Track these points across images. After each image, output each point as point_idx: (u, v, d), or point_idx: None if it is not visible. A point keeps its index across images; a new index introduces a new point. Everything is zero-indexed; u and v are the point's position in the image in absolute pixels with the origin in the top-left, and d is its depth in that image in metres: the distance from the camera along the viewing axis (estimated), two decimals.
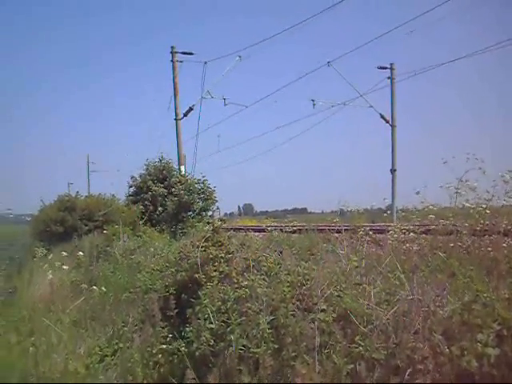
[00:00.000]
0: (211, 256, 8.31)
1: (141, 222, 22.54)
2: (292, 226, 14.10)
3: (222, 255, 8.31)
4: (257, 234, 16.62)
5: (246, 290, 6.85)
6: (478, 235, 8.87)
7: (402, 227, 10.51)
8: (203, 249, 8.54)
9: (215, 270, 7.98)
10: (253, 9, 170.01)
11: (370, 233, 10.67)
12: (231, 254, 8.45)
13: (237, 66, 34.85)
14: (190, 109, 32.08)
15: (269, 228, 14.96)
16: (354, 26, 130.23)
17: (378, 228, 13.65)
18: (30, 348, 9.01)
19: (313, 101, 39.16)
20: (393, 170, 37.64)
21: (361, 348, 5.22)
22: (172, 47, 31.87)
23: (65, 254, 18.45)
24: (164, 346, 7.70)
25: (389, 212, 20.37)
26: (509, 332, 4.48)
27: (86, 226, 26.08)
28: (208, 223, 9.55)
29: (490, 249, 8.04)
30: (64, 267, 15.45)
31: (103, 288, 12.41)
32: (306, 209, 77.29)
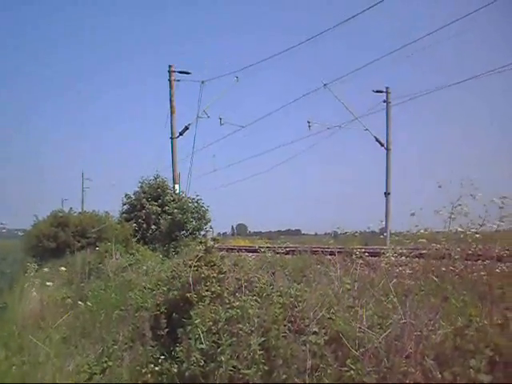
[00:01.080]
0: (203, 276, 8.27)
1: (134, 240, 22.48)
2: (285, 248, 14.05)
3: (214, 275, 8.27)
4: (250, 254, 16.57)
5: (238, 310, 6.80)
6: (471, 260, 8.85)
7: (395, 250, 10.49)
8: (195, 268, 8.50)
9: (207, 290, 7.94)
10: (251, 29, 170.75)
11: (364, 255, 10.63)
12: (223, 274, 8.41)
13: (234, 86, 35.05)
14: (186, 128, 32.14)
15: (262, 249, 14.89)
16: (352, 49, 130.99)
17: (372, 251, 13.62)
18: (17, 364, 8.90)
19: (308, 122, 39.32)
20: (387, 193, 37.70)
21: (352, 372, 5.18)
22: (169, 66, 32.03)
23: (57, 269, 18.35)
24: (153, 366, 7.62)
25: (385, 234, 20.38)
26: (501, 358, 4.45)
27: (79, 242, 25.98)
28: (201, 243, 9.49)
29: (483, 273, 8.02)
30: (48, 283, 15.32)
31: (88, 303, 12.34)
32: (299, 230, 77.13)
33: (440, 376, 4.55)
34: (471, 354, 4.56)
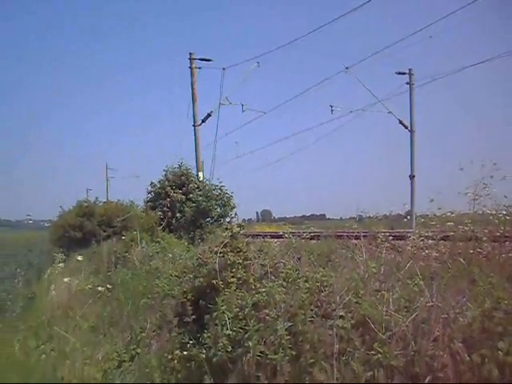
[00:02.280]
0: (229, 262, 8.28)
1: (159, 228, 22.52)
2: (310, 233, 14.01)
3: (240, 261, 8.28)
4: (275, 240, 16.57)
5: (264, 296, 6.82)
6: (498, 241, 8.77)
7: (421, 233, 10.42)
8: (221, 255, 8.51)
9: (233, 276, 7.96)
10: (271, 14, 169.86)
11: (389, 239, 10.58)
12: (249, 261, 8.41)
13: (255, 71, 34.89)
14: (208, 115, 32.10)
15: (286, 234, 14.87)
16: (373, 31, 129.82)
17: (397, 234, 13.53)
18: (47, 353, 9.03)
19: (331, 107, 39.04)
20: (412, 176, 37.42)
21: (379, 355, 5.16)
22: (190, 53, 31.91)
23: (80, 258, 18.55)
24: (181, 352, 7.68)
25: (408, 218, 20.20)
26: None
27: (105, 231, 26.14)
28: (226, 229, 9.49)
29: (511, 255, 7.96)
30: (65, 280, 15.49)
31: (108, 286, 12.45)
32: (324, 215, 76.85)
33: (468, 358, 4.52)
34: (499, 336, 4.53)
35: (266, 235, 21.64)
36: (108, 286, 14.04)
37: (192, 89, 31.52)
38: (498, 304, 5.08)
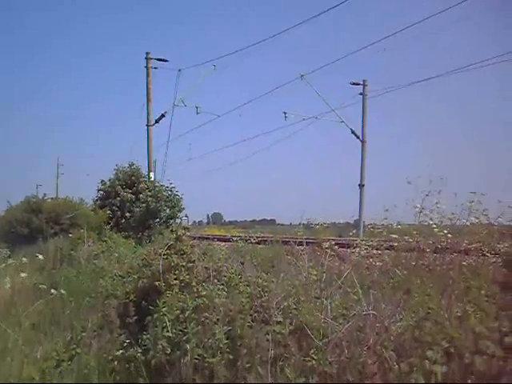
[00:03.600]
0: (173, 264, 8.28)
1: (107, 227, 22.34)
2: (257, 237, 14.12)
3: (184, 264, 8.28)
4: (223, 243, 16.65)
5: (205, 299, 6.86)
6: (440, 253, 8.97)
7: (366, 243, 10.60)
8: (165, 257, 8.51)
9: (175, 279, 7.96)
10: (229, 19, 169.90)
11: (335, 247, 10.71)
12: (193, 263, 8.42)
13: (211, 74, 34.98)
14: (162, 115, 32.11)
15: (234, 238, 14.96)
16: (330, 40, 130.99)
17: (344, 242, 13.73)
18: None
19: (284, 113, 39.34)
20: (361, 185, 37.95)
21: (314, 361, 5.25)
22: (147, 53, 31.89)
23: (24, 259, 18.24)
24: (119, 353, 7.64)
25: (354, 231, 20.53)
26: (456, 350, 4.54)
27: (52, 228, 25.72)
28: (172, 231, 9.50)
29: (450, 266, 8.15)
30: (22, 275, 15.21)
31: (62, 291, 12.30)
32: (274, 220, 77.27)
33: (397, 367, 4.64)
34: (429, 345, 4.65)
35: (214, 238, 21.73)
36: (51, 283, 13.84)
37: (147, 88, 31.52)
38: (428, 314, 5.21)
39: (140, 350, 7.31)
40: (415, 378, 4.42)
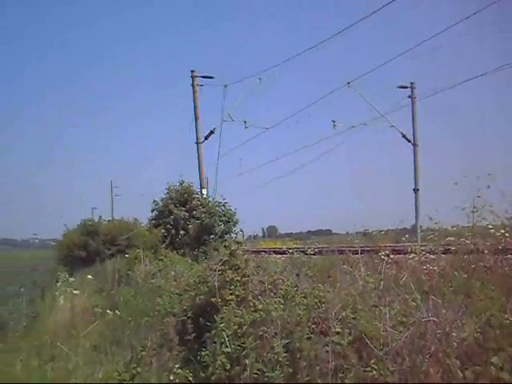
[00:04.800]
0: (227, 279, 8.27)
1: (163, 246, 22.48)
2: (314, 248, 14.00)
3: (238, 278, 8.26)
4: (279, 256, 16.58)
5: (261, 313, 6.82)
6: (500, 254, 8.73)
7: (422, 248, 10.40)
8: (220, 272, 8.51)
9: (231, 294, 7.94)
10: (272, 30, 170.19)
11: (391, 254, 10.53)
12: (247, 277, 8.39)
13: (257, 88, 35.00)
14: (211, 132, 32.23)
15: (290, 250, 14.87)
16: (374, 45, 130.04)
17: (402, 248, 13.51)
18: (49, 372, 9.01)
19: (333, 122, 39.05)
20: (416, 190, 37.37)
21: (375, 372, 5.14)
22: (192, 71, 32.10)
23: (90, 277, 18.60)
24: (180, 371, 7.64)
25: (406, 236, 20.20)
26: None
27: (109, 250, 26.09)
28: (225, 247, 9.48)
29: None
30: (75, 292, 15.42)
31: (117, 311, 12.43)
32: (330, 230, 76.46)
33: (461, 375, 4.49)
34: (494, 352, 4.49)
35: (270, 251, 21.64)
36: (110, 304, 14.02)
37: (194, 106, 31.70)
38: (492, 319, 5.05)
39: (200, 367, 7.32)
40: None
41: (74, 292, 15.38)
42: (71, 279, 18.30)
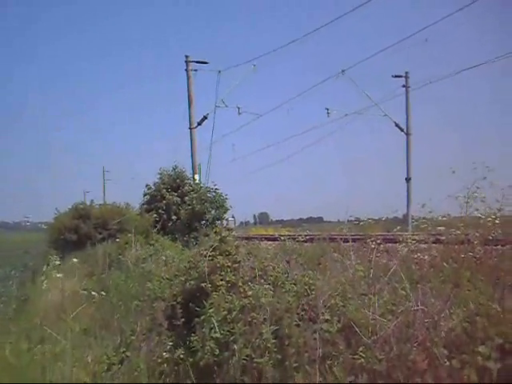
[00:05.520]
0: (218, 265, 8.27)
1: (154, 231, 22.50)
2: (305, 236, 14.02)
3: (229, 264, 8.26)
4: (270, 242, 16.61)
5: (251, 299, 6.82)
6: (490, 245, 8.76)
7: (413, 237, 10.42)
8: (210, 258, 8.50)
9: (221, 280, 7.94)
10: (267, 17, 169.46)
11: (382, 243, 10.56)
12: (238, 264, 8.40)
13: (251, 74, 34.98)
14: (204, 118, 32.21)
15: (282, 237, 14.90)
16: (369, 34, 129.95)
17: (392, 237, 13.54)
18: (38, 355, 9.01)
19: (327, 109, 39.14)
20: (408, 179, 37.50)
21: (362, 359, 5.16)
22: (186, 56, 32.04)
23: (75, 260, 18.59)
24: (168, 355, 7.66)
25: (397, 227, 20.24)
26: (511, 345, 4.39)
27: (100, 234, 26.16)
28: (215, 233, 9.48)
29: (502, 258, 7.96)
30: (59, 275, 15.39)
31: (103, 293, 12.46)
32: (321, 218, 76.79)
33: (448, 363, 4.51)
34: (481, 341, 4.51)
35: (262, 238, 21.70)
36: (100, 288, 14.02)
37: (188, 91, 31.67)
38: (480, 308, 5.07)
39: (188, 352, 7.34)
40: (467, 374, 4.29)
41: (58, 275, 15.34)
42: (56, 263, 18.23)
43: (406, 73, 39.01)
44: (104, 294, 13.16)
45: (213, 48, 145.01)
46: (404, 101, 39.01)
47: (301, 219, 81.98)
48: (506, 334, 4.50)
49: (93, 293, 13.18)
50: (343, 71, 35.62)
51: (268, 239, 20.50)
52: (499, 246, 8.72)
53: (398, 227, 14.35)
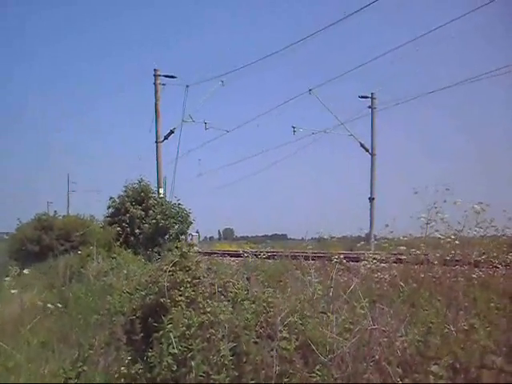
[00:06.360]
0: (178, 281, 8.25)
1: (117, 244, 22.31)
2: (267, 252, 14.07)
3: (189, 280, 8.24)
4: (233, 258, 16.64)
5: (209, 315, 6.82)
6: (449, 265, 8.89)
7: (374, 256, 10.53)
8: (171, 273, 8.48)
9: (181, 295, 7.92)
10: (237, 33, 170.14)
11: (344, 261, 10.65)
12: (198, 279, 8.38)
13: (219, 90, 35.13)
14: (171, 132, 32.23)
15: (245, 254, 14.94)
16: (338, 53, 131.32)
17: (354, 256, 13.67)
18: None
19: (293, 127, 39.39)
20: (371, 199, 37.83)
21: (319, 378, 5.19)
22: (155, 70, 32.11)
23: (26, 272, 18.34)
24: (126, 370, 7.59)
25: (361, 243, 20.42)
26: (461, 365, 4.47)
27: (63, 245, 25.84)
28: (176, 247, 9.47)
29: (459, 279, 8.08)
30: (13, 291, 15.08)
31: (59, 305, 12.31)
32: (286, 235, 76.90)
33: (400, 382, 4.56)
34: (434, 360, 4.58)
35: (225, 254, 21.71)
36: (60, 301, 13.84)
37: (156, 105, 31.67)
38: (431, 328, 5.14)
39: (146, 367, 7.28)
40: None
41: (12, 291, 15.06)
42: (7, 278, 17.89)
43: (372, 94, 39.51)
44: (62, 306, 12.99)
45: (181, 63, 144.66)
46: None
47: (265, 236, 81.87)
48: (457, 353, 4.57)
49: (49, 305, 12.97)
50: (310, 90, 35.99)
51: (231, 255, 20.54)
52: (457, 267, 8.85)
53: (360, 244, 14.51)
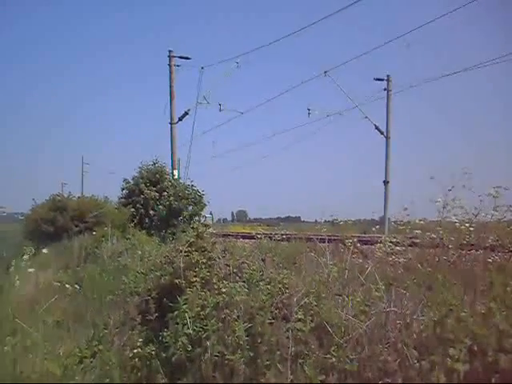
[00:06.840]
0: (193, 261, 8.26)
1: (131, 225, 22.39)
2: (281, 234, 14.05)
3: (204, 261, 8.26)
4: (247, 240, 16.63)
5: (225, 296, 6.83)
6: (465, 249, 8.83)
7: (390, 239, 10.47)
8: (186, 254, 8.49)
9: (196, 276, 7.93)
10: (253, 14, 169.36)
11: (358, 244, 10.60)
12: (213, 260, 8.39)
13: (234, 71, 34.99)
14: (186, 113, 32.17)
15: (259, 235, 14.92)
16: (355, 35, 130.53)
17: (369, 239, 13.64)
18: (8, 347, 8.92)
19: (308, 110, 39.26)
20: (386, 182, 37.63)
21: (334, 359, 5.18)
22: (169, 51, 31.96)
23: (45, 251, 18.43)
24: (140, 350, 7.63)
25: (377, 227, 20.36)
26: (479, 348, 4.43)
27: (77, 226, 25.98)
28: (193, 228, 9.47)
29: (475, 263, 8.03)
30: (30, 270, 15.21)
31: (76, 286, 12.38)
32: (299, 217, 77.17)
33: (418, 364, 4.55)
34: (451, 343, 4.55)
35: (238, 236, 21.72)
36: (76, 281, 13.94)
37: (170, 86, 31.61)
38: (450, 311, 5.10)
39: (161, 347, 7.32)
40: (436, 376, 4.33)
41: (29, 270, 15.19)
42: (25, 257, 18.01)
43: (388, 76, 39.17)
44: (78, 286, 13.08)
45: (197, 44, 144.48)
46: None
47: (279, 218, 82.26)
48: (475, 336, 4.54)
49: (66, 285, 13.07)
50: (326, 72, 35.75)
51: (245, 237, 20.53)
52: (473, 251, 8.79)
53: (375, 228, 14.46)
